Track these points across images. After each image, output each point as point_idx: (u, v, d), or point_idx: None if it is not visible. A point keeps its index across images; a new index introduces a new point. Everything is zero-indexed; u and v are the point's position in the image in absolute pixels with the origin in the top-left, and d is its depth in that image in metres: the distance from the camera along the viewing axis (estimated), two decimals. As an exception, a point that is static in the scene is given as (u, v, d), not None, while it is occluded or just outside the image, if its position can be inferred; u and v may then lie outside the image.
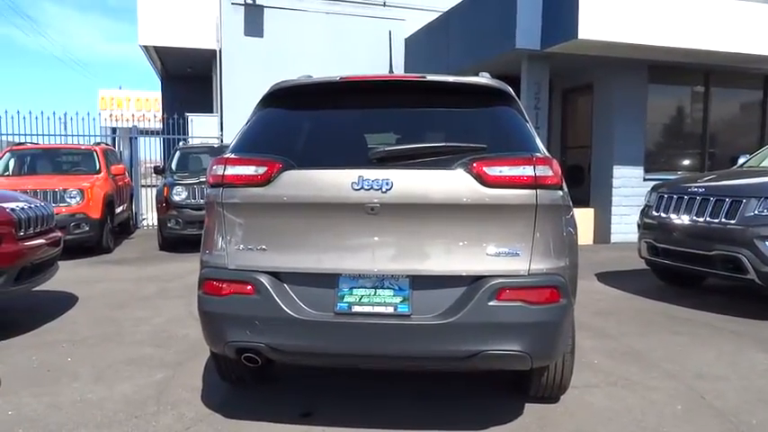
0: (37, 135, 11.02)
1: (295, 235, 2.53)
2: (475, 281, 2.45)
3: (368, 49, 13.46)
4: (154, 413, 2.97)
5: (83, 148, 10.01)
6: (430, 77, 2.71)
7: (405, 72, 12.98)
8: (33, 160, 9.52)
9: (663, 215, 5.57)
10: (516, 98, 2.85)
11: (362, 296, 2.48)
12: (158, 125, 15.13)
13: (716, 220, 4.98)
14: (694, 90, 10.21)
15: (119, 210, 9.59)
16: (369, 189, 2.42)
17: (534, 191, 2.44)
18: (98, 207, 8.21)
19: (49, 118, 11.06)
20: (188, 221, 8.42)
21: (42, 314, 4.91)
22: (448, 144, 2.53)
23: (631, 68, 9.41)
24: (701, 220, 5.11)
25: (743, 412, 3.02)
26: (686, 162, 10.28)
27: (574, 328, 2.93)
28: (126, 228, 10.83)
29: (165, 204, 8.56)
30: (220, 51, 13.10)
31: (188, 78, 17.38)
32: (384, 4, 13.97)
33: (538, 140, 2.69)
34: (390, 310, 2.46)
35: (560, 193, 2.55)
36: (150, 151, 12.91)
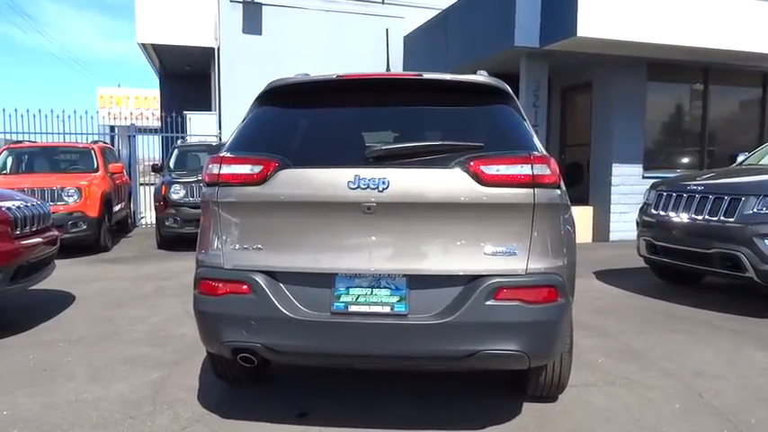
0: (35, 133, 11.00)
1: (291, 234, 2.51)
2: (472, 280, 2.43)
3: (367, 47, 13.43)
4: (150, 413, 2.95)
5: (80, 146, 9.98)
6: (427, 75, 2.69)
7: (403, 70, 12.95)
8: (31, 158, 9.49)
9: (662, 213, 5.55)
10: (514, 96, 2.83)
11: (359, 296, 2.47)
12: (157, 123, 15.11)
13: (715, 218, 4.96)
14: (693, 88, 10.19)
15: (117, 208, 9.57)
16: (365, 188, 2.40)
17: (532, 190, 2.42)
18: (96, 205, 8.18)
19: (47, 116, 11.05)
20: (186, 220, 8.40)
21: (39, 313, 4.89)
22: (445, 143, 2.51)
23: (630, 66, 9.39)
24: (700, 218, 5.09)
25: (741, 411, 3.01)
26: (685, 160, 10.27)
27: (572, 327, 2.91)
28: (124, 226, 10.82)
29: (162, 203, 8.53)
30: (219, 49, 13.06)
31: (186, 76, 17.35)
32: (383, 2, 13.95)
33: (536, 139, 2.67)
34: (387, 309, 2.44)
35: (558, 191, 2.53)
36: (148, 149, 12.92)
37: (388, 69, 3.61)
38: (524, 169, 2.41)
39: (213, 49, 13.47)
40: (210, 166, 2.62)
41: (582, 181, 9.79)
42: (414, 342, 2.43)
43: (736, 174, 5.69)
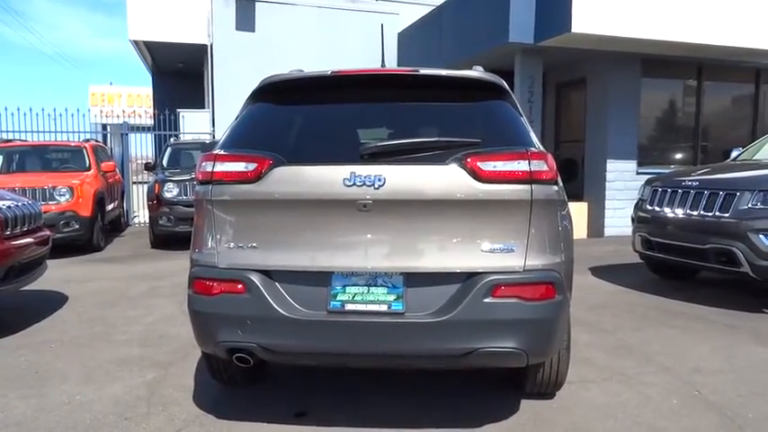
0: (26, 132, 10.90)
1: (286, 232, 2.48)
2: (469, 277, 2.41)
3: (361, 44, 13.38)
4: (144, 415, 2.92)
5: (72, 144, 9.89)
6: (423, 71, 2.66)
7: (398, 66, 12.91)
8: (22, 157, 9.39)
9: (657, 209, 5.56)
10: (510, 92, 2.81)
11: (356, 294, 2.44)
12: (149, 121, 14.99)
13: (710, 214, 4.96)
14: (687, 84, 10.21)
15: (109, 207, 9.49)
16: (361, 185, 2.38)
17: (529, 186, 2.40)
18: (88, 205, 8.11)
19: (38, 114, 10.94)
20: (180, 218, 8.34)
21: (31, 314, 4.84)
22: (441, 139, 2.49)
23: (624, 62, 9.39)
24: (695, 213, 5.09)
25: (739, 406, 3.01)
26: (679, 156, 10.29)
27: (569, 323, 2.90)
28: (117, 225, 10.74)
29: (156, 201, 8.47)
30: (211, 46, 12.98)
31: (179, 74, 17.23)
32: (376, -1, 13.90)
33: (532, 135, 2.65)
34: (384, 308, 2.42)
35: (555, 188, 2.51)
36: (141, 148, 12.81)
37: (383, 65, 3.58)
38: (521, 165, 2.39)
39: (206, 46, 13.38)
40: (204, 163, 2.58)
41: (576, 177, 9.78)
42: (411, 340, 2.41)
43: (731, 169, 5.69)
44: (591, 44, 8.60)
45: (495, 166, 2.38)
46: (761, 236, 4.61)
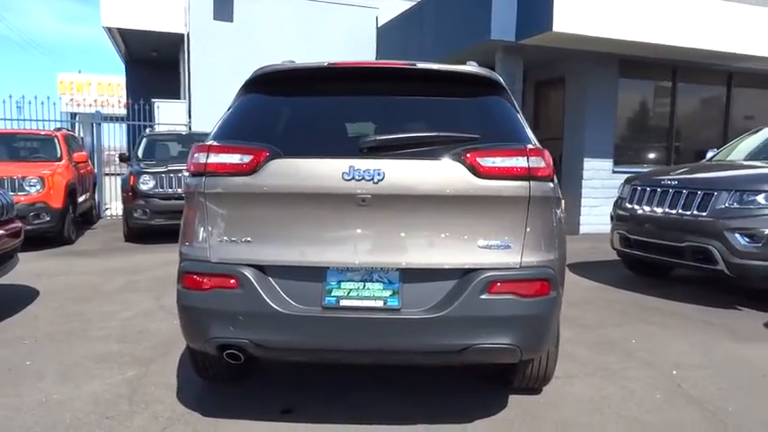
0: (-8, 120, 10.52)
1: (281, 226, 2.43)
2: (465, 274, 2.40)
3: (341, 37, 13.30)
4: (127, 413, 2.84)
5: (43, 133, 9.58)
6: (420, 65, 2.63)
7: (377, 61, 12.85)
8: (-11, 147, 9.06)
9: (636, 207, 5.65)
10: (506, 87, 2.80)
11: (351, 290, 2.41)
12: (122, 111, 14.62)
13: (688, 213, 5.07)
14: (662, 85, 10.41)
15: (81, 199, 9.23)
16: (360, 179, 2.34)
17: (527, 182, 2.40)
18: (59, 196, 7.87)
19: (5, 101, 10.57)
20: (156, 211, 8.16)
21: (2, 309, 4.67)
22: (441, 134, 2.46)
23: (602, 63, 9.52)
24: (674, 212, 5.19)
25: (719, 400, 3.08)
26: (653, 155, 10.50)
27: (559, 320, 2.92)
28: (89, 218, 10.46)
29: (131, 193, 8.26)
30: (188, 35, 12.71)
31: (153, 63, 16.86)
32: (356, -8, 13.80)
33: (529, 131, 2.65)
34: (380, 303, 2.39)
35: (551, 184, 2.52)
36: (113, 138, 12.47)
37: (377, 59, 3.54)
38: (520, 162, 2.39)
39: (182, 35, 13.11)
40: (197, 155, 2.51)
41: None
42: (407, 337, 2.39)
43: (708, 169, 5.82)
44: (571, 43, 8.69)
45: (494, 162, 2.37)
46: (736, 235, 4.72)
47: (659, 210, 5.36)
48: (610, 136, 9.82)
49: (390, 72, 2.71)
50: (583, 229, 9.68)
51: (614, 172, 9.68)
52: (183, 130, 11.96)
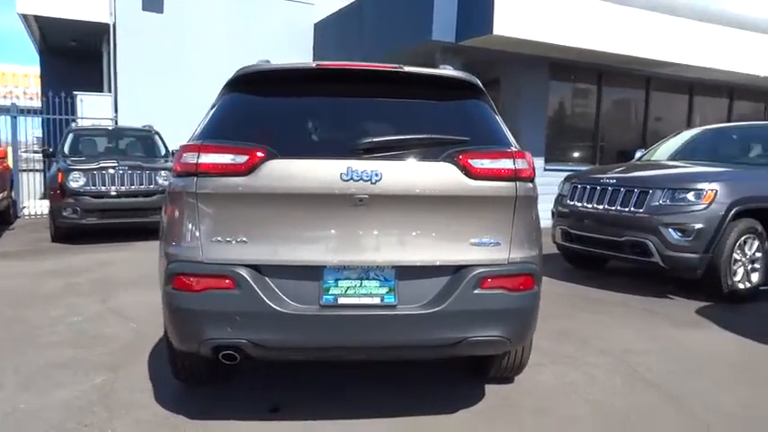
0: None
1: (278, 227, 2.43)
2: (458, 270, 2.50)
3: (276, 32, 13.10)
4: (106, 419, 2.72)
5: (-47, 127, 8.79)
6: (407, 68, 2.70)
7: (313, 59, 12.77)
8: None
9: (577, 204, 5.99)
10: (486, 91, 2.93)
11: (348, 288, 2.45)
12: (31, 102, 13.63)
13: (626, 209, 5.45)
14: (587, 88, 11.08)
15: (-1, 197, 8.58)
16: (358, 180, 2.38)
17: (514, 183, 2.54)
18: (-22, 194, 7.28)
19: None
20: (87, 210, 7.72)
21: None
22: (434, 136, 2.55)
23: (535, 66, 10.00)
24: (613, 208, 5.57)
25: (672, 382, 3.37)
26: (580, 154, 11.16)
27: (537, 312, 3.09)
28: (6, 217, 9.70)
29: (59, 191, 7.75)
30: (114, 26, 12.05)
31: (72, 53, 15.80)
32: (292, -13, 13.63)
33: (509, 133, 2.79)
34: (377, 300, 2.44)
35: (532, 185, 2.67)
36: (25, 132, 11.58)
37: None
38: (508, 163, 2.52)
39: (107, 25, 12.40)
40: (185, 155, 2.45)
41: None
42: (404, 332, 2.46)
43: (643, 168, 6.26)
44: (510, 46, 9.06)
45: (484, 164, 2.49)
46: (670, 229, 5.15)
47: (599, 206, 5.72)
48: (541, 135, 10.33)
49: (377, 75, 2.74)
50: (517, 225, 10.10)
51: (546, 170, 10.19)
52: (110, 124, 11.35)
